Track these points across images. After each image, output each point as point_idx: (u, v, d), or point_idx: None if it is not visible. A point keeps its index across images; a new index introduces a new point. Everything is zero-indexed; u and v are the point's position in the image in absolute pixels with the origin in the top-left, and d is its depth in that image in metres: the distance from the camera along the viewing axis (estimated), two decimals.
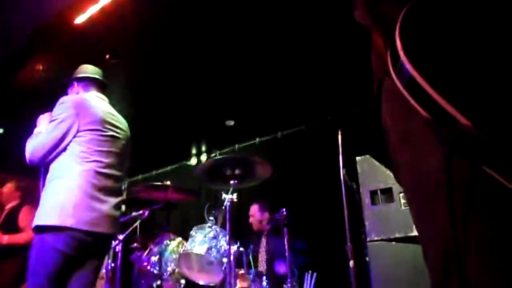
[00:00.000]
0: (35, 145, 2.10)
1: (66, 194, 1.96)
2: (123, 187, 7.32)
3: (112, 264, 3.26)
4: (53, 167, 2.09)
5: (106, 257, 3.32)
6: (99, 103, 2.27)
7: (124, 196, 6.46)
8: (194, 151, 5.79)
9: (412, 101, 0.55)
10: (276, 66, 3.80)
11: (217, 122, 4.87)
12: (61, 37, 3.32)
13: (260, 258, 3.56)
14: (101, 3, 2.93)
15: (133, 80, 4.14)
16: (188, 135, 5.32)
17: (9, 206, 4.09)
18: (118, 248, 3.37)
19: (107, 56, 3.48)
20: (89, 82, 2.39)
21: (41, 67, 3.49)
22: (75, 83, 2.39)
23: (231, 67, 3.85)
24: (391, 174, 3.05)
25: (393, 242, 2.91)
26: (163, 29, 3.33)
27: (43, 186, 2.09)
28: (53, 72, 3.67)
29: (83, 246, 1.96)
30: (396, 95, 0.61)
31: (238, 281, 2.87)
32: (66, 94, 2.39)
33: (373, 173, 3.16)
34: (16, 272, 3.68)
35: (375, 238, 2.96)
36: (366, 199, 3.11)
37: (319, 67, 3.81)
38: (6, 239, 3.74)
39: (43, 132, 2.14)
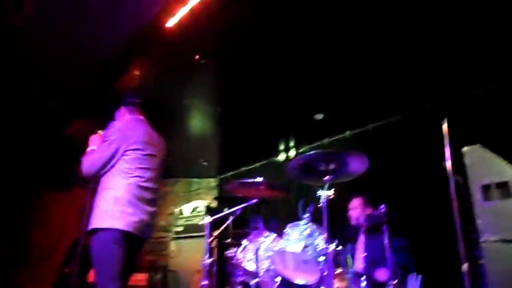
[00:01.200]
0: (91, 161, 2.59)
1: (114, 203, 2.44)
2: (214, 185, 7.57)
3: (209, 260, 3.33)
4: (103, 180, 2.56)
5: (204, 252, 3.43)
6: (141, 125, 2.77)
7: (215, 194, 6.74)
8: (282, 146, 5.75)
9: None
10: (365, 51, 3.57)
11: (305, 116, 4.76)
12: (155, 42, 3.46)
13: (357, 257, 3.38)
14: (189, 4, 2.98)
15: (221, 79, 4.21)
16: (276, 131, 5.29)
17: None
18: (214, 243, 3.45)
19: (197, 57, 3.56)
20: (133, 106, 2.89)
21: (137, 73, 3.69)
22: (122, 108, 2.89)
23: (317, 58, 3.71)
24: (507, 166, 2.71)
25: None
26: (250, 26, 3.31)
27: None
28: (147, 77, 3.86)
29: (126, 244, 2.42)
30: None
31: (335, 281, 2.75)
32: (114, 116, 2.90)
33: (485, 165, 2.82)
34: None
35: (491, 239, 2.64)
36: (477, 195, 2.78)
37: (413, 48, 3.49)
38: None
39: (97, 151, 2.62)
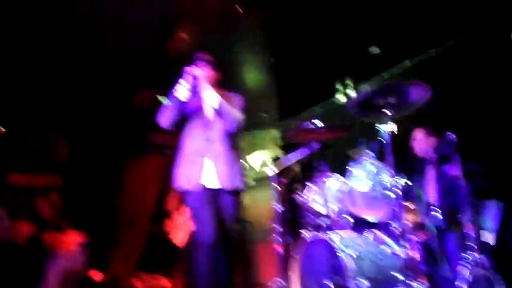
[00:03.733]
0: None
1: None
2: (278, 134, 7.64)
3: (281, 207, 3.46)
4: (231, 138, 2.96)
5: (274, 199, 3.57)
6: None
7: (280, 144, 6.82)
8: (340, 86, 5.60)
9: None
10: None
11: (359, 51, 4.55)
12: (197, 4, 3.45)
13: (430, 190, 3.31)
14: None
15: (270, 28, 4.13)
16: (331, 71, 5.14)
17: None
18: (284, 191, 3.55)
19: (239, 8, 3.51)
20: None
21: (185, 36, 3.73)
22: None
23: None
24: None
25: None
26: None
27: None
28: (195, 39, 3.89)
29: None
30: None
31: (408, 215, 2.74)
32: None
33: None
34: None
35: None
36: None
37: None
38: None
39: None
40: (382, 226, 2.76)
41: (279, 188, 3.59)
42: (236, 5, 3.51)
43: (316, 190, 3.17)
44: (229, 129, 2.84)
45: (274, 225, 3.61)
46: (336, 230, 2.77)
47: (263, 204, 5.43)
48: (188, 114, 2.91)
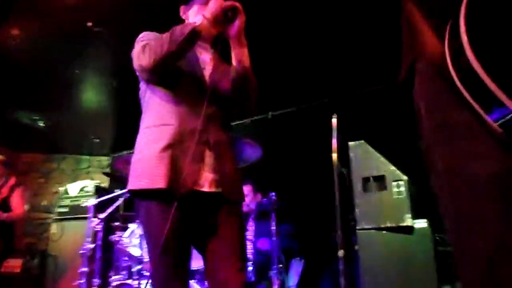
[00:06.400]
0: None
1: None
2: (106, 164, 7.07)
3: (91, 245, 3.12)
4: None
5: (86, 235, 3.20)
6: None
7: (108, 171, 6.34)
8: None
9: (469, 98, 0.45)
10: (269, 43, 3.61)
11: None
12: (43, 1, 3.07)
13: (247, 243, 3.46)
14: None
15: (116, 51, 3.91)
16: None
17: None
18: (99, 227, 3.23)
19: (90, 24, 3.25)
20: None
21: (17, 32, 3.24)
22: None
23: None
24: (385, 161, 2.97)
25: (384, 232, 2.85)
26: None
27: None
28: (29, 39, 3.42)
29: None
30: (436, 80, 0.53)
31: None
32: None
33: (367, 159, 3.05)
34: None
35: (365, 226, 2.88)
36: (357, 186, 3.01)
37: (316, 46, 3.63)
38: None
39: None
40: (201, 273, 2.73)
41: (95, 223, 3.24)
42: (88, 20, 3.22)
43: (136, 231, 2.98)
44: (242, 114, 1.85)
45: (81, 263, 3.21)
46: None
47: (73, 238, 4.84)
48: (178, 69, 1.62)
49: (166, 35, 1.51)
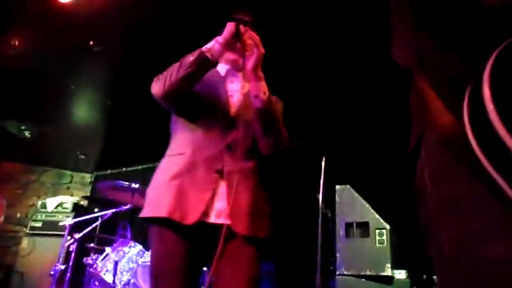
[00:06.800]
0: None
1: None
2: (89, 181, 6.92)
3: (62, 266, 3.01)
4: None
5: (58, 254, 3.09)
6: None
7: (88, 191, 6.22)
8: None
9: (490, 168, 0.43)
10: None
11: None
12: (45, 14, 3.09)
13: None
14: None
15: (115, 71, 3.93)
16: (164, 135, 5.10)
17: None
18: (72, 247, 3.12)
19: (91, 43, 3.27)
20: None
21: (16, 42, 3.23)
22: None
23: None
24: (370, 208, 2.97)
25: (363, 279, 2.81)
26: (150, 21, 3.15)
27: None
28: (27, 50, 3.41)
29: None
30: (445, 152, 0.52)
31: None
32: None
33: (351, 205, 3.05)
34: None
35: (345, 273, 2.84)
36: (340, 231, 3.00)
37: (307, 89, 3.70)
38: None
39: None
40: None
41: (69, 242, 3.14)
42: (90, 38, 3.25)
43: (110, 255, 2.89)
44: (267, 149, 1.61)
45: (49, 284, 3.09)
46: None
47: (44, 255, 4.67)
48: (200, 97, 1.62)
49: (177, 63, 1.51)
